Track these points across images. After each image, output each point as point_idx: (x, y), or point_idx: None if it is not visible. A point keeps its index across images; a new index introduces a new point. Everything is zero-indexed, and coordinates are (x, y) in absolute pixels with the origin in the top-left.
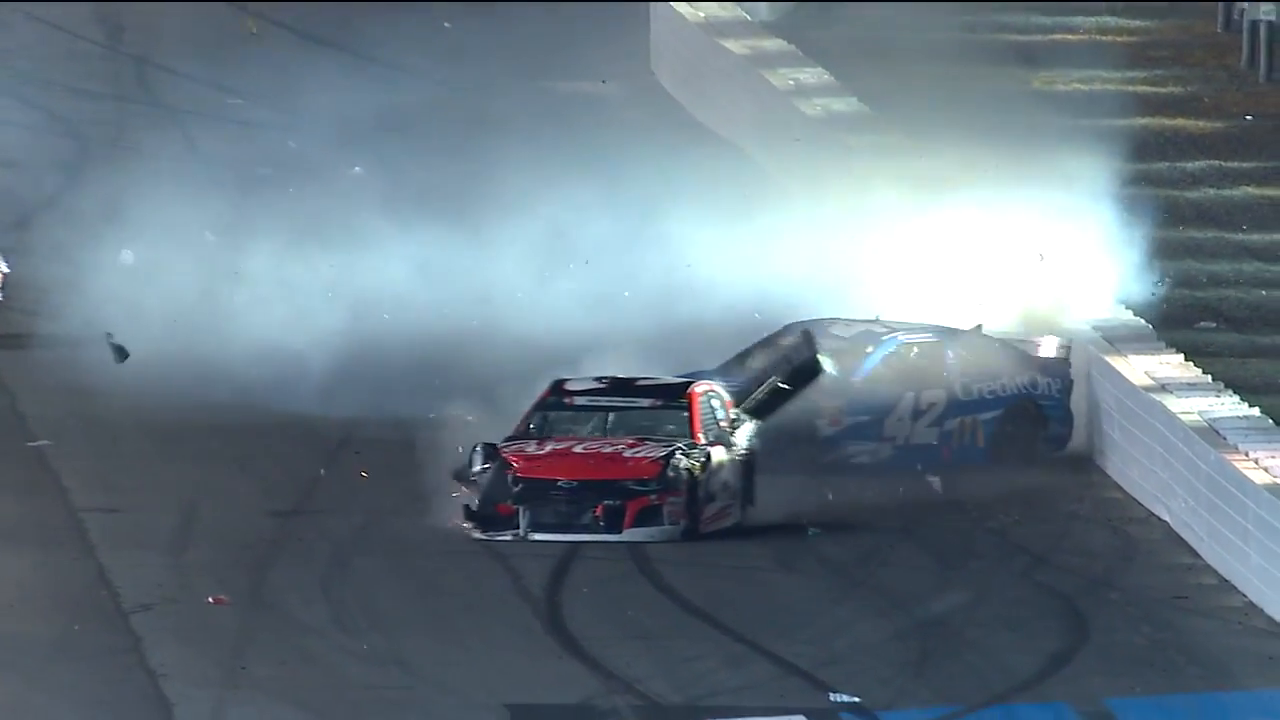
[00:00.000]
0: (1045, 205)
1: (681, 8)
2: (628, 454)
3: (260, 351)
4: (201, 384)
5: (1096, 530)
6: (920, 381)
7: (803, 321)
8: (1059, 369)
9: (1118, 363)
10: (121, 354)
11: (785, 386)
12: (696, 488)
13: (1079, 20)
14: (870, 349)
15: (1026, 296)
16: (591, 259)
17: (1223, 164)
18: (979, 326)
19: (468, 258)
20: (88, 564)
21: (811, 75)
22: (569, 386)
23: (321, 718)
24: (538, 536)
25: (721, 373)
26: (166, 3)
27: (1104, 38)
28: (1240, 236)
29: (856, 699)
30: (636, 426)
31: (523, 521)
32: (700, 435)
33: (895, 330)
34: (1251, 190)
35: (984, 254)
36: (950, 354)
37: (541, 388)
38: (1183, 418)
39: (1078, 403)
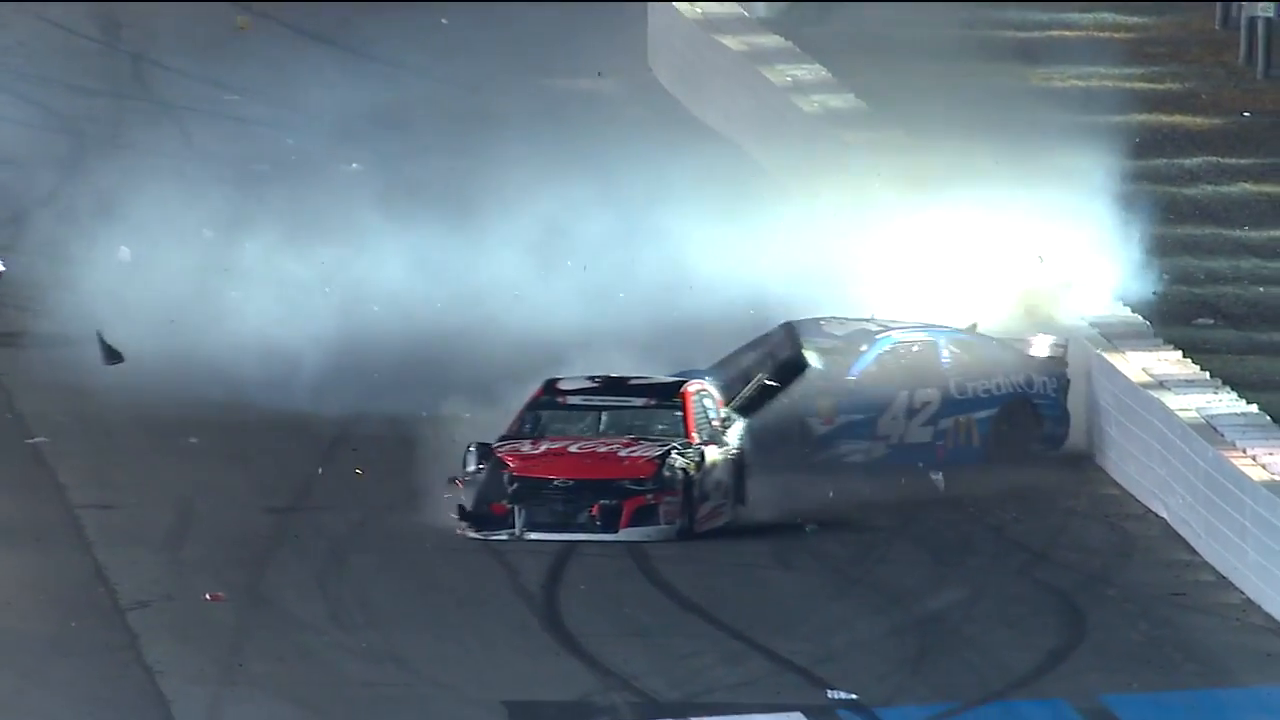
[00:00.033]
0: (1043, 202)
1: (679, 4)
2: (623, 453)
3: (257, 348)
4: (198, 381)
5: (1094, 527)
6: (914, 380)
7: (790, 320)
8: (1055, 368)
9: (1116, 359)
10: (112, 355)
11: (772, 384)
12: (692, 487)
13: (1077, 17)
14: (864, 348)
15: (1024, 294)
16: (588, 256)
17: (1220, 160)
18: (974, 325)
19: (464, 254)
20: (84, 561)
21: (809, 72)
22: (562, 386)
23: (319, 714)
24: (533, 536)
25: (714, 371)
26: (163, 1)
27: (1102, 34)
28: (1238, 233)
29: (854, 696)
30: (630, 426)
31: (518, 521)
32: (694, 435)
33: (889, 329)
34: (1249, 187)
35: (981, 252)
36: (945, 353)
37: (535, 386)
38: (1180, 414)
39: (1077, 401)
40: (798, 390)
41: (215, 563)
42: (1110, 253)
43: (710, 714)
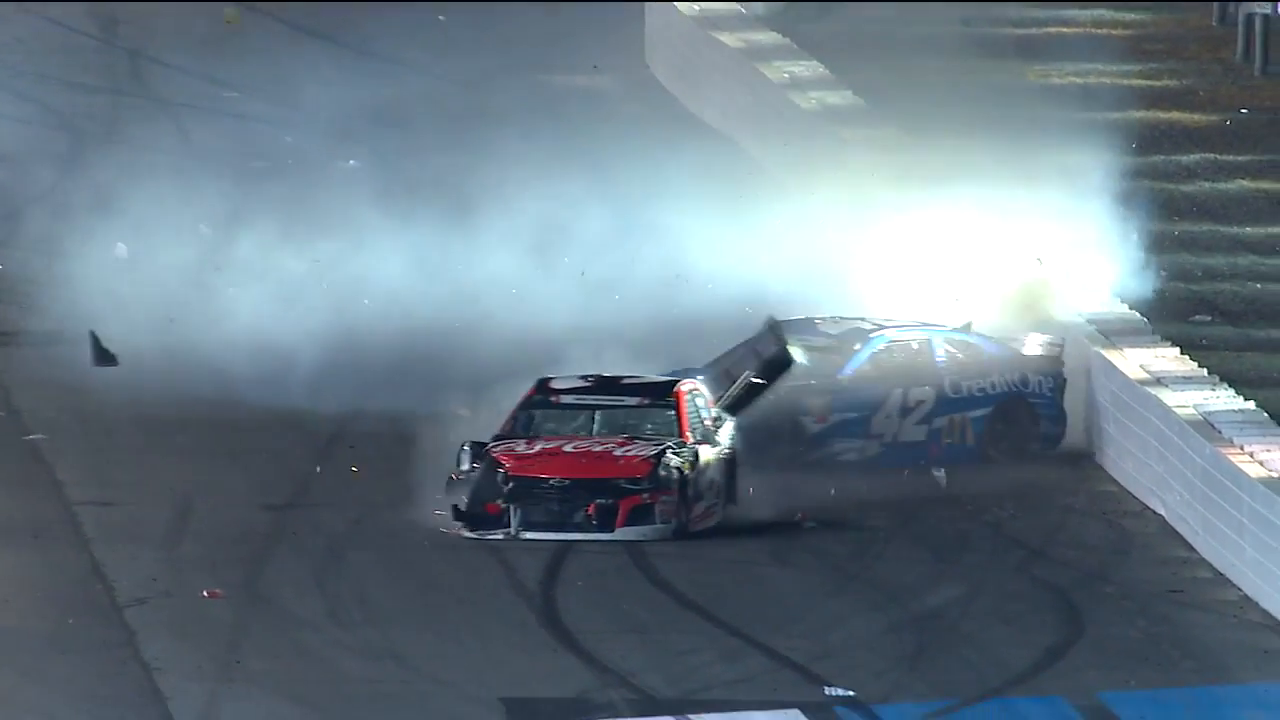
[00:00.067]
0: (1040, 199)
1: (677, 3)
2: (618, 453)
3: (254, 346)
4: (196, 378)
5: (1092, 524)
6: (909, 379)
7: (773, 316)
8: (1051, 367)
9: (1113, 356)
10: (104, 358)
11: (759, 381)
12: (686, 487)
13: (1075, 13)
14: (858, 346)
15: (1019, 289)
16: (585, 253)
17: (1218, 157)
18: (969, 324)
19: (461, 251)
20: (82, 558)
21: (806, 69)
22: (554, 385)
23: (316, 711)
24: (529, 535)
25: (708, 370)
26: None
27: (1099, 31)
28: (1235, 230)
29: (851, 693)
30: (623, 425)
31: (514, 520)
32: (688, 434)
33: (883, 328)
34: (1246, 184)
35: (977, 249)
36: (940, 352)
37: (529, 384)
38: (1178, 411)
39: (1076, 399)
40: (784, 387)
41: (213, 560)
42: (1108, 250)
43: (708, 711)
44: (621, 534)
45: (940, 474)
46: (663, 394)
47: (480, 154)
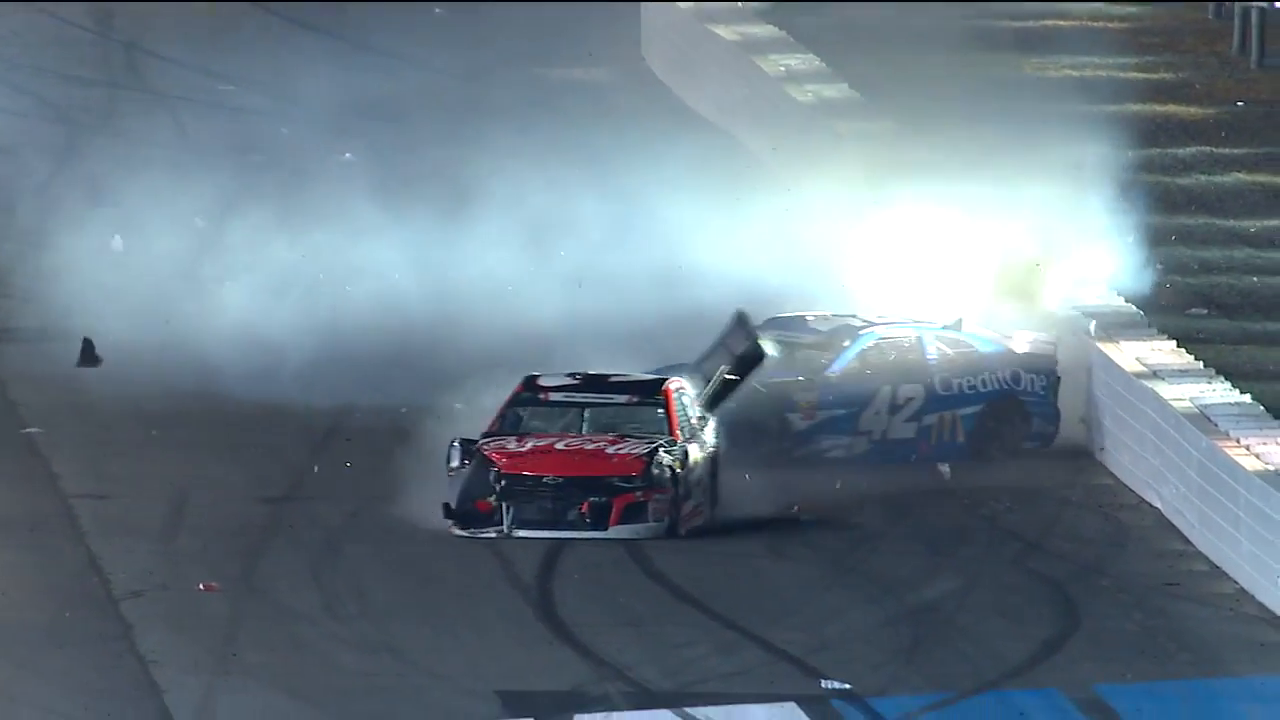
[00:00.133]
0: (1036, 192)
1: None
2: (610, 451)
3: (250, 339)
4: (191, 372)
5: (1088, 517)
6: (898, 376)
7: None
8: (1045, 365)
9: (1109, 349)
10: (89, 360)
11: (733, 377)
12: (678, 485)
13: (1071, 7)
14: (847, 343)
15: (1011, 279)
16: (582, 249)
17: (1214, 150)
18: (959, 321)
19: (457, 245)
20: (78, 551)
21: (802, 61)
22: (542, 382)
23: (312, 704)
24: (522, 533)
25: (697, 368)
26: None
27: (1096, 24)
28: (1231, 223)
29: (847, 685)
30: (612, 423)
31: (506, 518)
32: (678, 432)
33: (874, 325)
34: (1243, 176)
35: (971, 242)
36: (930, 349)
37: (519, 380)
38: (1174, 404)
39: (1074, 395)
40: (756, 380)
41: (209, 553)
42: (1104, 243)
43: (704, 704)
44: (615, 532)
45: (945, 468)
46: (651, 392)
47: (476, 147)
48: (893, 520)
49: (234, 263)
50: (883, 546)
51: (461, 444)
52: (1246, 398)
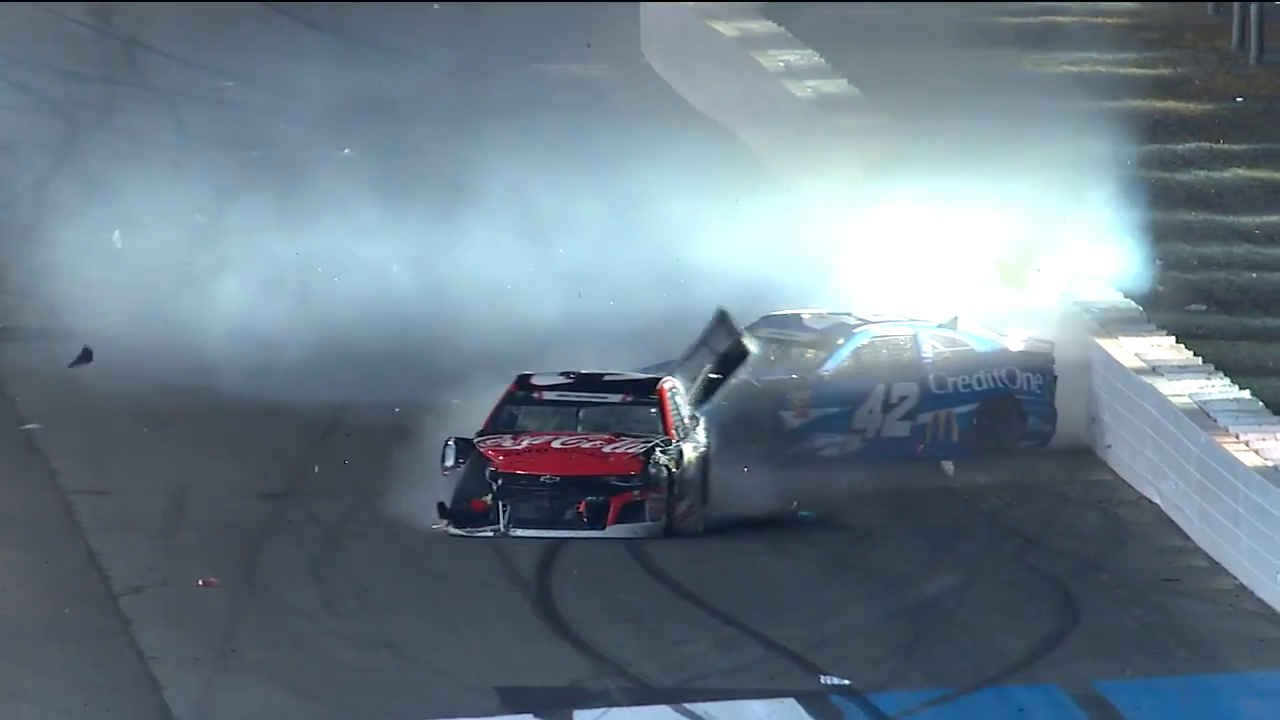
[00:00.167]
0: (1035, 188)
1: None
2: (607, 450)
3: (249, 335)
4: (190, 368)
5: (1087, 513)
6: (892, 374)
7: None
8: (1041, 363)
9: (1109, 345)
10: (84, 359)
11: (717, 376)
12: (674, 484)
13: (1070, 3)
14: (841, 341)
15: (1011, 274)
16: (580, 246)
17: (1213, 146)
18: (955, 319)
19: (455, 242)
20: (78, 547)
21: (801, 57)
22: (536, 381)
23: (312, 700)
24: (519, 532)
25: (686, 366)
26: None
27: (1095, 19)
28: (1231, 219)
29: (847, 681)
30: (606, 422)
31: (503, 517)
32: (673, 432)
33: (869, 323)
34: (1242, 172)
35: (970, 239)
36: (926, 347)
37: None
38: (1173, 400)
39: (1075, 393)
40: (750, 377)
41: (208, 548)
42: (1103, 239)
43: (704, 700)
44: (612, 532)
45: (948, 465)
46: (646, 391)
47: (476, 144)
48: (892, 517)
49: (233, 259)
50: (882, 543)
51: (456, 443)
52: (1246, 393)
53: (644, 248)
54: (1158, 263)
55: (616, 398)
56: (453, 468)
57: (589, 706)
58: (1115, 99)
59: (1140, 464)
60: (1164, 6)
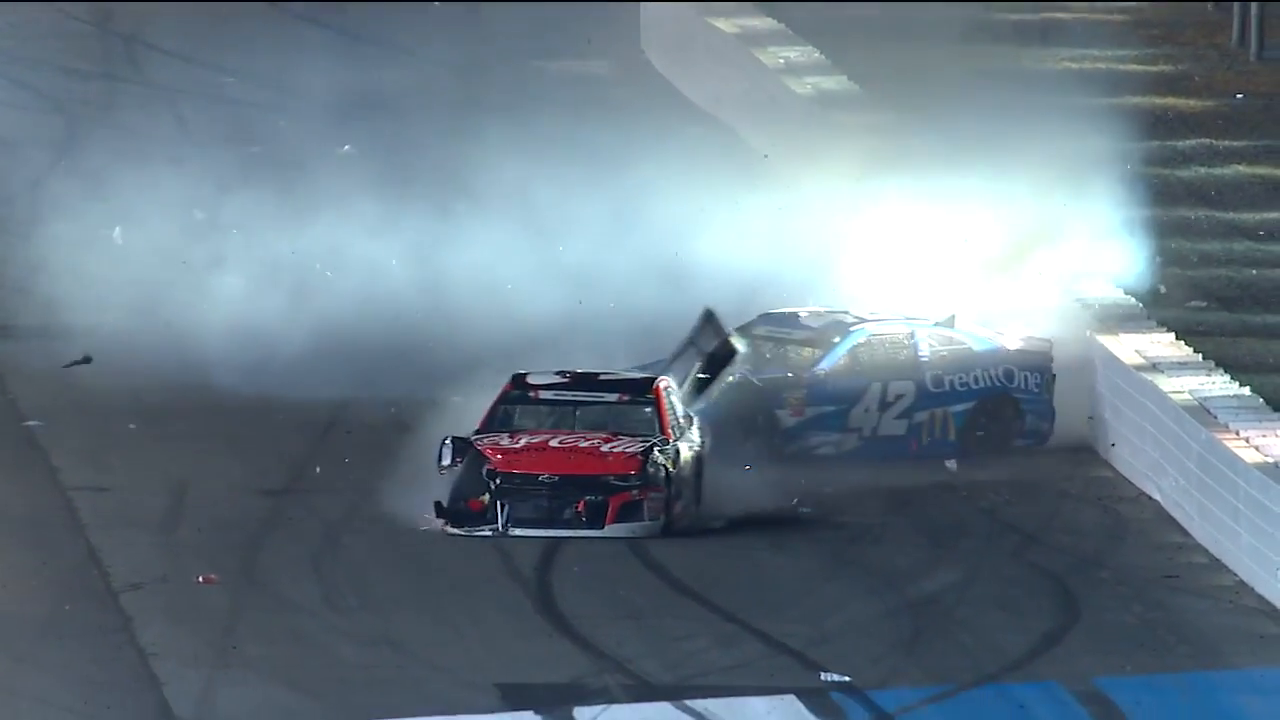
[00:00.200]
0: (1035, 184)
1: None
2: (605, 449)
3: (248, 332)
4: (190, 364)
5: (1087, 509)
6: (889, 372)
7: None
8: (1039, 362)
9: (1109, 341)
10: (80, 361)
11: (705, 376)
12: (672, 484)
13: (1070, 1)
14: (837, 339)
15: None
16: (579, 244)
17: (1213, 143)
18: (952, 317)
19: (455, 239)
20: (78, 543)
21: (801, 54)
22: (531, 380)
23: (312, 696)
24: (518, 532)
25: (678, 365)
26: None
27: (1095, 16)
28: (1231, 215)
29: (847, 678)
30: (601, 422)
31: (501, 517)
32: (670, 431)
33: (865, 321)
34: (1242, 169)
35: (969, 239)
36: (923, 346)
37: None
38: (1173, 397)
39: (1075, 390)
40: (746, 376)
41: (208, 545)
42: (1103, 235)
43: (704, 696)
44: (611, 531)
45: (951, 463)
46: (642, 391)
47: (475, 141)
48: (892, 513)
49: (233, 255)
50: (883, 539)
51: (453, 442)
52: (1246, 390)
53: (644, 244)
54: (1158, 259)
55: (613, 397)
56: (449, 466)
57: (589, 703)
58: (1115, 96)
59: (1140, 460)
60: (1164, 3)
